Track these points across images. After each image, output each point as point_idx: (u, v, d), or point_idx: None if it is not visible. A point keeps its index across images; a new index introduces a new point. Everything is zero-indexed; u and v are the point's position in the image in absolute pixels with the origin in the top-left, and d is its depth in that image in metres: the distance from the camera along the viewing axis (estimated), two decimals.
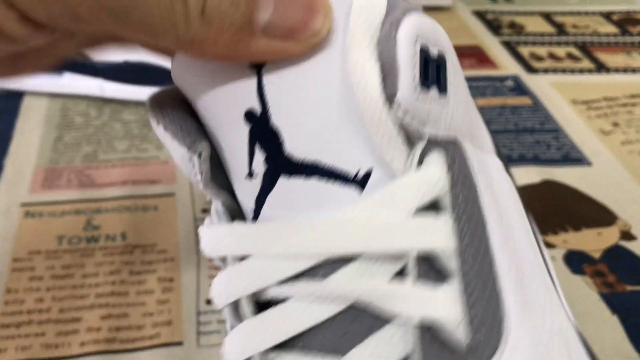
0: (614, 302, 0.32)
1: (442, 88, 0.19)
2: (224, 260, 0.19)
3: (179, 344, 0.29)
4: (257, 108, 0.18)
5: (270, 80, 0.18)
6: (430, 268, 0.17)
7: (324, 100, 0.18)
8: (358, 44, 0.17)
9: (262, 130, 0.18)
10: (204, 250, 0.20)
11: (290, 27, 0.17)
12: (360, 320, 0.17)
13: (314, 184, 0.18)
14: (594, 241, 0.36)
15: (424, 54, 0.18)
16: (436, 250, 0.17)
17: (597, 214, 0.38)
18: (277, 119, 0.18)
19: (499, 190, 0.21)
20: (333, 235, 0.17)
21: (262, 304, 0.19)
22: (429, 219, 0.17)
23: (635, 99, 0.50)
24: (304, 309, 0.17)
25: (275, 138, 0.18)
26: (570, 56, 0.57)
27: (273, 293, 0.18)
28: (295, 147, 0.18)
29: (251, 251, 0.18)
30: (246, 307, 0.18)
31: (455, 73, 0.20)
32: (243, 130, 0.18)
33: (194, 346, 0.29)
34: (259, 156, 0.18)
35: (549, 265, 0.23)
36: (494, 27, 0.62)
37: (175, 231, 0.35)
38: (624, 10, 0.66)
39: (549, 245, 0.35)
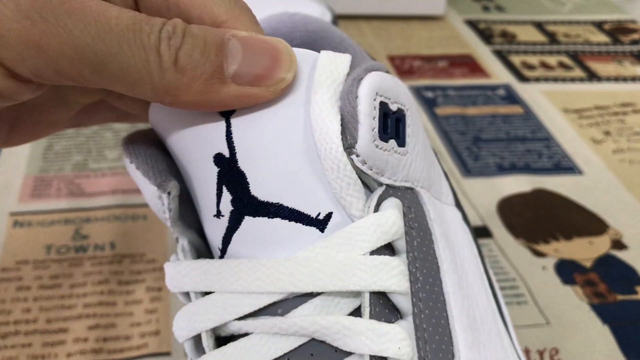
0: (605, 312, 0.32)
1: (401, 140, 0.20)
2: (187, 295, 0.20)
3: (167, 354, 0.28)
4: (226, 152, 0.19)
5: (238, 127, 0.19)
6: (384, 306, 0.19)
7: (287, 147, 0.19)
8: (321, 97, 0.19)
9: (229, 172, 0.19)
10: (168, 286, 0.20)
11: (257, 74, 0.18)
12: (319, 355, 0.18)
13: (277, 224, 0.19)
14: (585, 250, 0.36)
15: (383, 109, 0.19)
16: (390, 290, 0.18)
17: (588, 223, 0.38)
18: (243, 163, 0.19)
19: (455, 239, 0.22)
20: (294, 273, 0.18)
21: (222, 339, 0.20)
22: (384, 260, 0.18)
23: (627, 107, 0.50)
24: (265, 343, 0.18)
25: (241, 180, 0.19)
26: (562, 65, 0.57)
27: (234, 328, 0.19)
28: (259, 189, 0.19)
29: (214, 287, 0.19)
30: (207, 341, 0.19)
31: (415, 127, 0.22)
32: (212, 173, 0.19)
33: (182, 356, 0.28)
34: (226, 197, 0.19)
35: (505, 313, 0.25)
36: (486, 36, 0.62)
37: (164, 240, 0.35)
38: (615, 19, 0.67)
39: (540, 254, 0.35)
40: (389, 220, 0.19)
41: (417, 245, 0.20)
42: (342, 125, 0.19)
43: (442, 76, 0.54)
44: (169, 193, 0.20)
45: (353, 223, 0.19)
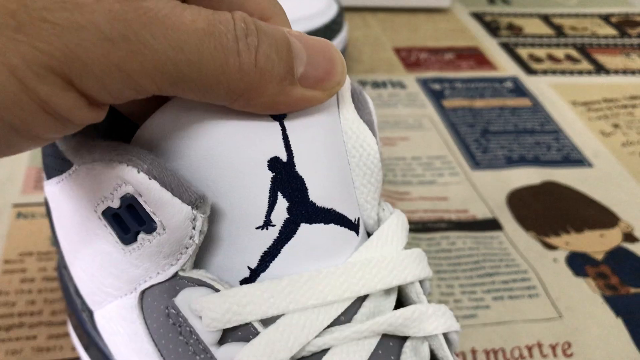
0: (618, 304, 0.31)
1: None
2: (237, 328, 0.17)
3: None
4: (283, 156, 0.18)
5: (294, 130, 0.18)
6: (424, 291, 0.20)
7: (334, 151, 0.19)
8: (348, 106, 0.19)
9: (287, 177, 0.18)
10: (214, 324, 0.17)
11: (319, 77, 0.18)
12: (390, 347, 0.18)
13: (332, 229, 0.18)
14: (596, 243, 0.35)
15: None
16: (428, 276, 0.20)
17: (599, 216, 0.37)
18: (301, 167, 0.18)
19: None
20: (361, 276, 0.18)
21: None
22: (419, 251, 0.20)
23: (635, 100, 0.50)
24: (349, 352, 0.17)
25: (300, 185, 0.18)
26: (569, 58, 0.56)
27: (311, 347, 0.17)
28: (317, 194, 0.18)
29: (285, 308, 0.17)
30: None
31: None
32: (264, 178, 0.18)
33: None
34: (282, 204, 0.18)
35: None
36: (492, 28, 0.62)
37: None
38: (622, 12, 0.66)
39: (551, 247, 0.35)
40: (405, 219, 0.20)
41: None
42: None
43: (448, 68, 0.53)
44: (202, 213, 0.17)
45: (386, 222, 0.20)
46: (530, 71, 0.54)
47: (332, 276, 0.18)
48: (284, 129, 0.18)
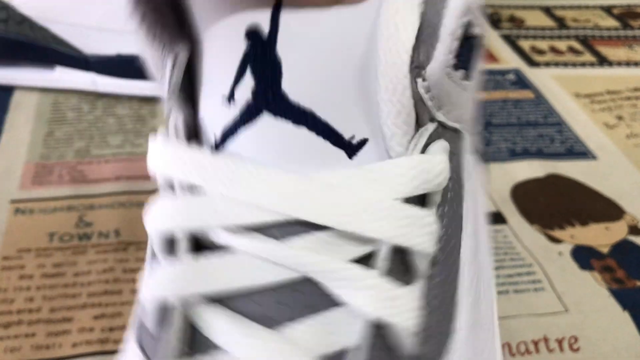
0: (625, 298, 0.31)
1: (469, 73, 0.17)
2: (168, 184, 0.17)
3: None
4: (265, 27, 0.15)
5: (292, 2, 0.15)
6: (399, 263, 0.16)
7: (341, 45, 0.15)
8: None
9: (262, 54, 0.15)
10: (149, 163, 0.17)
11: None
12: (305, 295, 0.15)
13: (301, 134, 0.15)
14: (602, 236, 0.35)
15: (466, 30, 0.16)
16: (414, 248, 0.15)
17: (604, 209, 0.37)
18: (284, 48, 0.15)
19: (477, 197, 0.19)
20: (309, 196, 0.15)
21: (197, 246, 0.16)
22: (418, 213, 0.15)
23: (639, 92, 0.49)
24: (249, 266, 0.15)
25: (274, 68, 0.15)
26: (572, 50, 0.56)
27: (216, 238, 0.16)
28: (293, 86, 0.15)
29: (208, 185, 0.16)
30: (182, 243, 0.16)
31: (479, 60, 0.18)
32: (238, 48, 0.15)
33: None
34: (248, 82, 0.15)
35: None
36: (494, 20, 0.61)
37: None
38: (624, 4, 0.66)
39: (556, 240, 0.34)
40: (436, 168, 0.15)
41: (450, 200, 0.17)
42: (417, 38, 0.15)
43: None
44: (175, 57, 0.16)
45: (393, 159, 0.15)
46: (532, 63, 0.53)
47: (270, 178, 0.15)
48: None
